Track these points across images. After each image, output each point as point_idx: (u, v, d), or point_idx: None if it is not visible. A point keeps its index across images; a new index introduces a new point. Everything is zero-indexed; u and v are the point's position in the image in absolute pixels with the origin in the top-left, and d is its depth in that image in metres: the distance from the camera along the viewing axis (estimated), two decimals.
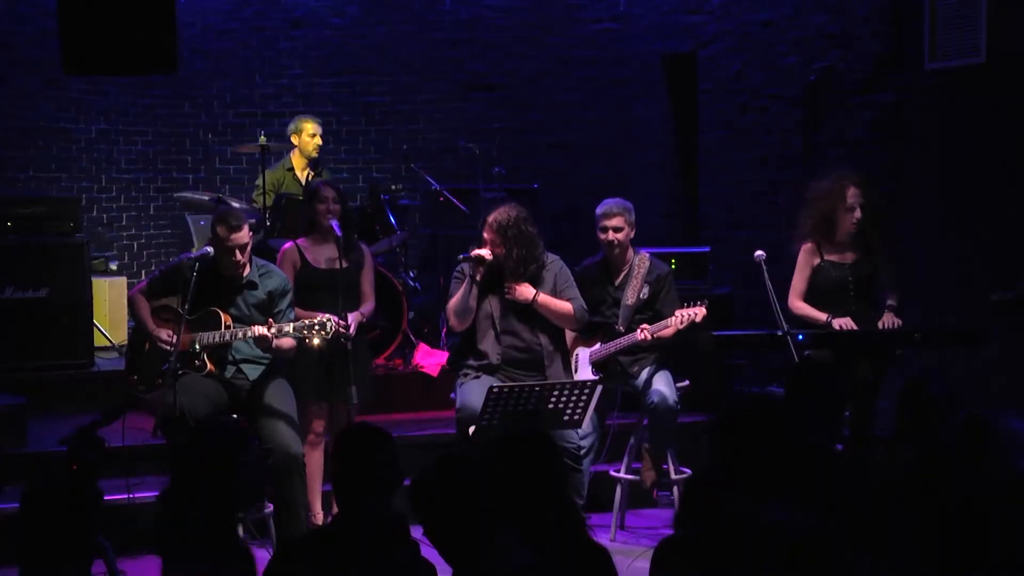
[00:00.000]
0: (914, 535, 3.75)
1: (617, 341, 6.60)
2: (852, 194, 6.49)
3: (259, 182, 8.36)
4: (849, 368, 6.27)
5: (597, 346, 6.64)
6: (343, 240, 6.40)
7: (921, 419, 4.63)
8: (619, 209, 6.67)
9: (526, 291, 6.24)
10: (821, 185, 6.69)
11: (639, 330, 6.50)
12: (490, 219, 6.25)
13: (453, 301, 6.27)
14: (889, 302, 6.54)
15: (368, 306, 6.59)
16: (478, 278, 6.21)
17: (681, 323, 6.42)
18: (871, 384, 6.38)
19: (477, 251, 6.21)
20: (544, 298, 6.27)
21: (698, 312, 6.40)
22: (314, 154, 8.74)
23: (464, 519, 3.28)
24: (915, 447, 4.54)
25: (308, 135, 8.68)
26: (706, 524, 3.34)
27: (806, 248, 6.60)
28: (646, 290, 6.69)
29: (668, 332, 6.50)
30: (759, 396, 4.17)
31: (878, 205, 6.58)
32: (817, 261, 6.56)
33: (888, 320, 6.44)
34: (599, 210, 6.72)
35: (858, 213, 6.47)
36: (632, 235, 6.73)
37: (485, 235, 6.25)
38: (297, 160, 8.71)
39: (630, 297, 6.68)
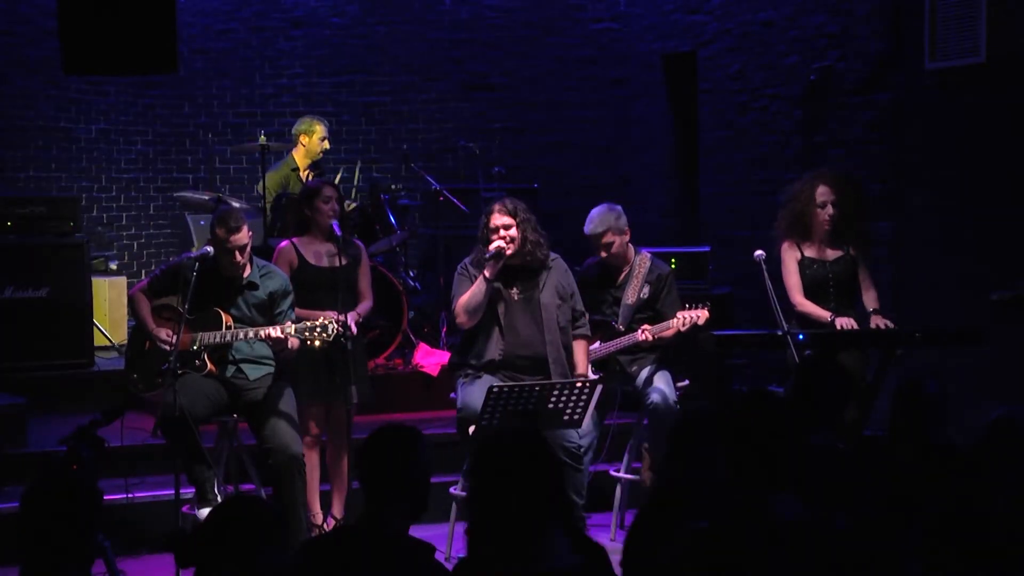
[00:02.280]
0: (914, 533, 3.76)
1: (617, 341, 6.60)
2: (822, 192, 6.50)
3: (261, 186, 8.33)
4: (849, 367, 6.26)
5: (597, 345, 6.63)
6: (341, 239, 6.40)
7: (916, 418, 4.64)
8: (604, 226, 6.59)
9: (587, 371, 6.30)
10: (795, 185, 6.72)
11: (640, 331, 6.49)
12: (497, 207, 6.21)
13: (466, 297, 6.22)
14: (872, 307, 6.53)
15: (366, 304, 6.58)
16: (489, 274, 6.16)
17: (683, 325, 6.41)
18: (871, 384, 6.38)
19: (497, 244, 6.17)
20: (585, 364, 6.33)
21: (700, 315, 6.39)
22: (320, 156, 8.78)
23: (516, 514, 3.24)
24: (912, 446, 4.55)
25: (319, 137, 8.70)
26: (728, 517, 3.34)
27: (785, 246, 6.62)
28: (647, 290, 6.68)
29: (669, 333, 6.50)
30: (759, 393, 4.15)
31: (856, 205, 6.57)
32: (799, 256, 6.58)
33: (879, 321, 6.44)
34: (586, 229, 6.62)
35: (829, 210, 6.47)
36: (627, 238, 6.69)
37: (499, 222, 6.17)
38: (300, 160, 8.72)
39: (630, 296, 6.67)
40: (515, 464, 3.27)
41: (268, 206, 8.04)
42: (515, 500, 3.21)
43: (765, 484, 3.50)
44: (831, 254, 6.57)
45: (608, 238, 6.59)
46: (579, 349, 6.33)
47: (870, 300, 6.55)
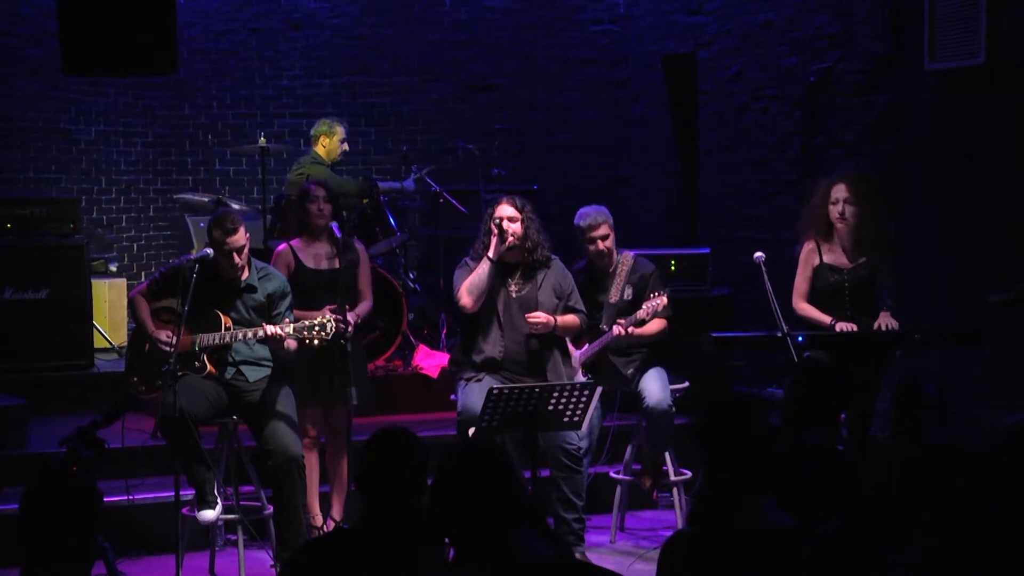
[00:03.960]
0: (913, 535, 3.75)
1: (599, 340, 6.60)
2: (837, 190, 6.47)
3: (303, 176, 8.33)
4: (848, 369, 6.25)
5: (585, 347, 6.64)
6: (341, 241, 6.41)
7: (916, 418, 4.63)
8: (602, 218, 6.66)
9: (547, 319, 6.24)
10: (817, 183, 6.71)
11: (615, 325, 6.49)
12: (505, 199, 6.31)
13: (469, 278, 6.25)
14: (887, 302, 6.52)
15: (365, 304, 6.58)
16: (492, 254, 6.18)
17: (647, 314, 6.43)
18: (871, 385, 6.37)
19: (505, 223, 6.20)
20: (561, 321, 6.30)
21: (660, 301, 6.42)
22: (339, 158, 8.80)
23: (483, 513, 3.26)
24: (912, 447, 4.54)
25: (339, 139, 8.72)
26: (713, 524, 3.33)
27: (807, 248, 6.58)
28: (629, 290, 6.70)
29: (647, 329, 6.50)
30: (742, 396, 4.15)
31: (874, 206, 6.54)
32: (816, 262, 6.54)
33: (885, 320, 6.42)
34: (582, 223, 6.66)
35: (841, 207, 6.44)
36: (614, 237, 6.73)
37: (504, 212, 6.23)
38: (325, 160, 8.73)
39: (613, 296, 6.69)
40: (472, 476, 3.32)
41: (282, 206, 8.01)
42: (477, 508, 3.25)
43: (748, 490, 3.49)
44: (851, 261, 6.51)
45: (605, 230, 6.64)
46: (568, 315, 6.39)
47: (887, 297, 6.54)
